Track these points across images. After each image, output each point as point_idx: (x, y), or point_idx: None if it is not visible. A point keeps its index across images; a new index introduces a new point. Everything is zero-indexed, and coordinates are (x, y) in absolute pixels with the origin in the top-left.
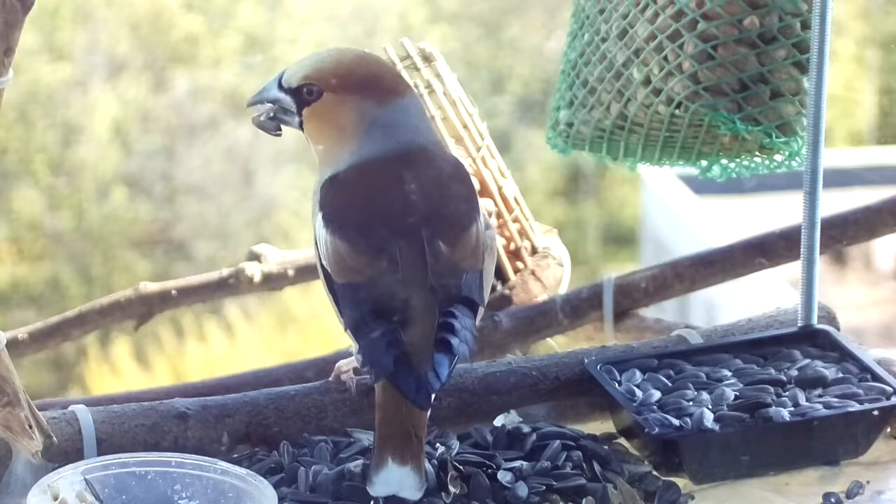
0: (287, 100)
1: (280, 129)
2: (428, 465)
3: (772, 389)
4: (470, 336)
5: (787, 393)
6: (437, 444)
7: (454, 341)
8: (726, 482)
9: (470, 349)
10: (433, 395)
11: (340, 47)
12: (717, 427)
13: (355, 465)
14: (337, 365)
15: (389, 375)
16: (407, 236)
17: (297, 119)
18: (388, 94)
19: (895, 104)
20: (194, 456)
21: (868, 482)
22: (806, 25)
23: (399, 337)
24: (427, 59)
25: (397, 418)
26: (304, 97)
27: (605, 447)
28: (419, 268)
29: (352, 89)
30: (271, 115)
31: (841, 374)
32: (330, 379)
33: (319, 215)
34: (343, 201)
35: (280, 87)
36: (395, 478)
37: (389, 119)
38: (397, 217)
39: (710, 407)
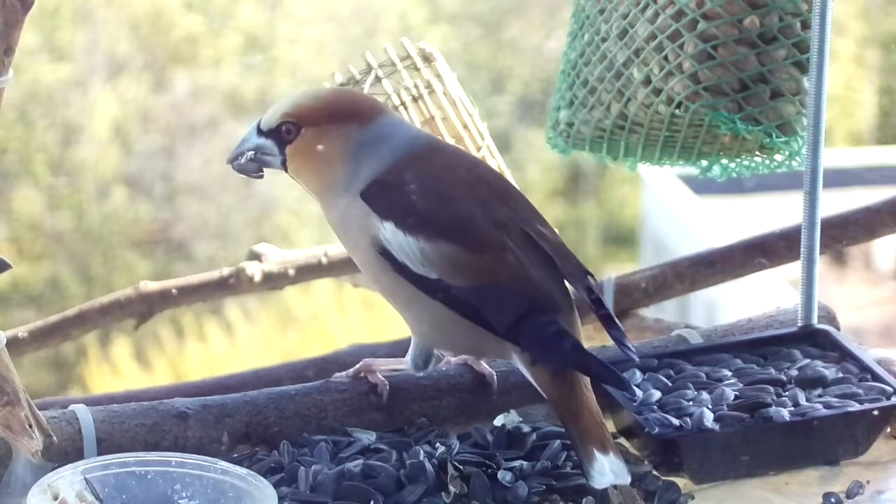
0: (268, 144)
1: (262, 171)
2: (428, 465)
3: (772, 389)
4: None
5: (787, 393)
6: (437, 444)
7: (610, 311)
8: (726, 482)
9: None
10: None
11: (314, 87)
12: (717, 427)
13: (355, 465)
14: (366, 362)
15: (575, 364)
16: (506, 227)
17: (279, 159)
18: (368, 117)
19: (895, 104)
20: (194, 456)
21: (868, 482)
22: (806, 25)
23: (563, 326)
24: (427, 59)
25: (584, 408)
26: (283, 136)
27: None
28: (536, 253)
29: (331, 119)
30: (251, 157)
31: (841, 374)
32: (349, 373)
33: (388, 224)
34: (411, 207)
35: (259, 132)
36: (607, 467)
37: (377, 134)
38: (481, 209)
39: (710, 407)
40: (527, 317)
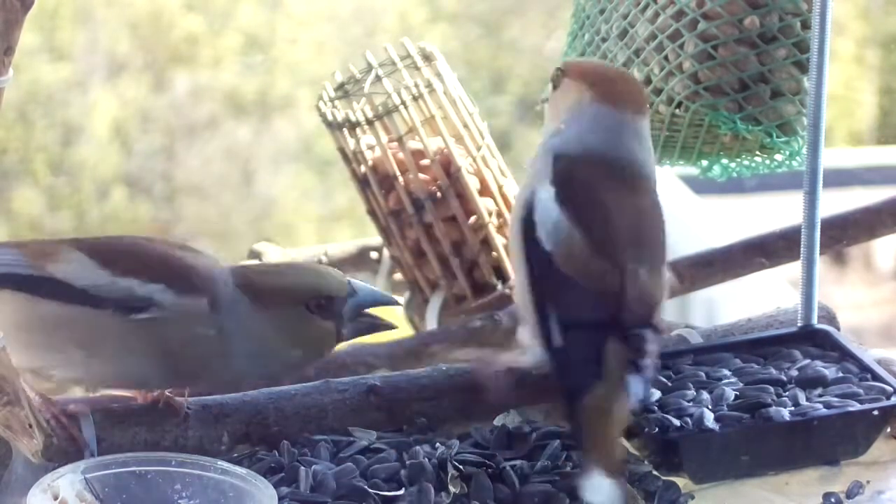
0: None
1: None
2: (428, 465)
3: (772, 389)
4: (655, 363)
5: (787, 393)
6: (437, 444)
7: (646, 363)
8: (726, 482)
9: (653, 378)
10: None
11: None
12: (717, 427)
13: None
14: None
15: (588, 387)
16: (630, 259)
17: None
18: (630, 107)
19: (895, 104)
20: (194, 455)
21: (868, 482)
22: (806, 25)
23: (602, 352)
24: (427, 58)
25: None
26: (554, 82)
27: None
28: (630, 289)
29: (583, 77)
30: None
31: (841, 374)
32: (472, 360)
33: (552, 191)
34: (581, 195)
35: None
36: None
37: (599, 114)
38: (626, 237)
39: (710, 407)
40: (584, 326)
